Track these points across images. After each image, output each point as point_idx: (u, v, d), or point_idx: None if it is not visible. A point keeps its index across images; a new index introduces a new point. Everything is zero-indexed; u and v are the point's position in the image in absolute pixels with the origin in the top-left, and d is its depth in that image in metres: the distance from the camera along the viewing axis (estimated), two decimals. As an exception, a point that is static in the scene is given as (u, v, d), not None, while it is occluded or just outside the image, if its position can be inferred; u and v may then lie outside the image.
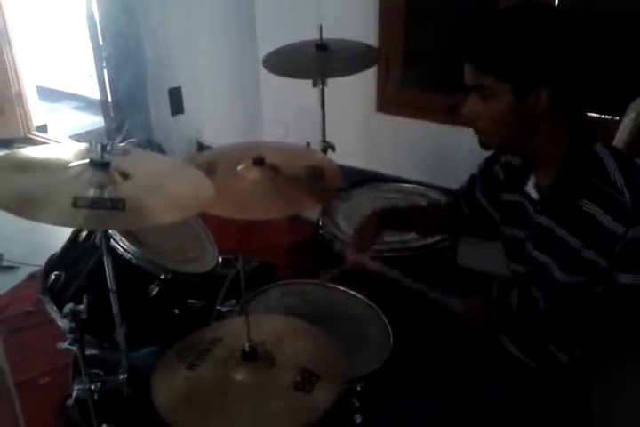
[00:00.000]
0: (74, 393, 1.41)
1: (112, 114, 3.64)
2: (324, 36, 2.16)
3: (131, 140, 3.51)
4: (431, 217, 1.74)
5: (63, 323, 1.57)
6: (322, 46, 2.05)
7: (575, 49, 1.23)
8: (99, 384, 1.41)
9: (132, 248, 1.47)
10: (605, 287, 1.28)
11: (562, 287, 1.33)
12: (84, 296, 1.33)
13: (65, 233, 1.70)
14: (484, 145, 1.35)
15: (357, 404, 1.48)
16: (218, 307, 1.76)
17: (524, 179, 1.40)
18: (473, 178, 1.61)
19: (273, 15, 3.17)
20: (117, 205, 1.13)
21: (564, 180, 1.29)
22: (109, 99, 3.61)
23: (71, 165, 1.22)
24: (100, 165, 1.20)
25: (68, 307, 1.32)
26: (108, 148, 1.20)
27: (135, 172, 1.24)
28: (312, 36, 2.24)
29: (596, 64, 1.27)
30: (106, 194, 1.18)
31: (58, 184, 1.19)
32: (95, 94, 4.44)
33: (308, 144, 2.10)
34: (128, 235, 1.50)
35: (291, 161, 1.82)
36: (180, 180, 1.32)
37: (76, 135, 4.38)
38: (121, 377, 1.44)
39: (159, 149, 3.46)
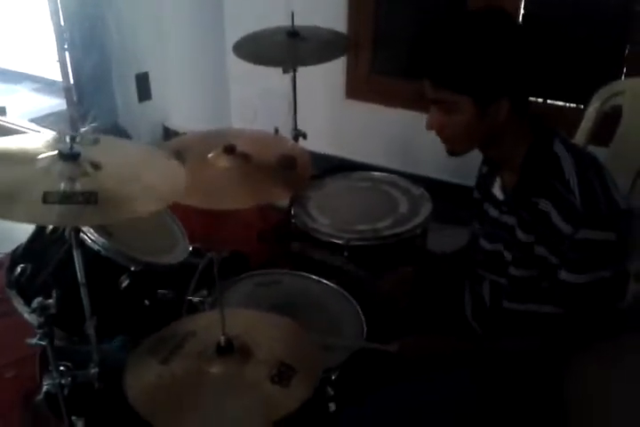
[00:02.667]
0: (44, 388, 1.39)
1: (75, 98, 3.56)
2: (289, 21, 2.12)
3: (94, 124, 3.43)
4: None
5: (30, 317, 1.54)
6: (293, 33, 2.02)
7: (530, 57, 1.25)
8: (69, 379, 1.38)
9: (101, 240, 1.44)
10: (550, 283, 1.31)
11: (518, 282, 1.37)
12: (53, 291, 1.29)
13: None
14: (451, 153, 1.37)
15: (332, 393, 1.48)
16: (189, 297, 1.73)
17: (491, 182, 1.44)
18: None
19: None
20: (90, 198, 1.09)
21: (525, 180, 1.31)
22: (72, 82, 3.52)
23: (39, 157, 1.18)
24: (70, 157, 1.16)
25: (37, 301, 1.28)
26: (77, 138, 1.16)
27: (106, 162, 1.21)
28: (279, 21, 2.21)
29: (551, 65, 1.30)
30: (78, 186, 1.15)
31: (26, 178, 1.14)
32: (55, 76, 4.35)
33: (277, 130, 2.08)
34: (96, 226, 1.47)
35: (262, 149, 1.80)
36: (153, 168, 1.28)
37: (37, 118, 4.27)
38: (92, 371, 1.41)
39: (125, 135, 3.38)
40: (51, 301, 1.28)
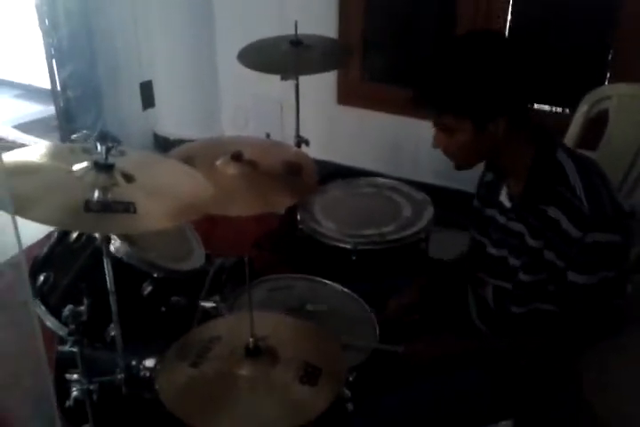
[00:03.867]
0: (72, 394, 1.41)
1: (62, 104, 3.55)
2: (281, 29, 2.17)
3: (84, 131, 3.43)
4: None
5: (53, 324, 1.56)
6: (297, 42, 2.07)
7: (521, 76, 1.32)
8: (97, 385, 1.41)
9: (125, 247, 1.47)
10: (557, 286, 1.38)
11: (525, 286, 1.43)
12: (85, 298, 1.32)
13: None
14: (458, 168, 1.45)
15: (349, 394, 1.53)
16: (202, 303, 1.77)
17: (498, 190, 1.50)
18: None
19: (231, 5, 3.16)
20: (129, 208, 1.13)
21: (532, 188, 1.38)
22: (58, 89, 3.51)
23: (74, 167, 1.21)
24: (105, 167, 1.20)
25: (68, 309, 1.32)
26: (112, 150, 1.19)
27: (138, 174, 1.25)
28: (271, 29, 2.25)
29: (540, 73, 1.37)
30: (110, 196, 1.19)
31: (62, 187, 1.18)
32: (36, 82, 4.31)
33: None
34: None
35: (267, 156, 1.85)
36: (180, 180, 1.33)
37: (21, 125, 4.25)
38: (119, 377, 1.44)
39: (115, 142, 3.39)
40: (82, 308, 1.31)
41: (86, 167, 1.21)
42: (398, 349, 1.53)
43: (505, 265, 1.49)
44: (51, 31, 3.29)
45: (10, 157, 1.27)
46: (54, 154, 1.29)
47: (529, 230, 1.40)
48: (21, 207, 1.13)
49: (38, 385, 1.97)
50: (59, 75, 3.43)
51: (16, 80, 4.84)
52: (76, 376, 1.48)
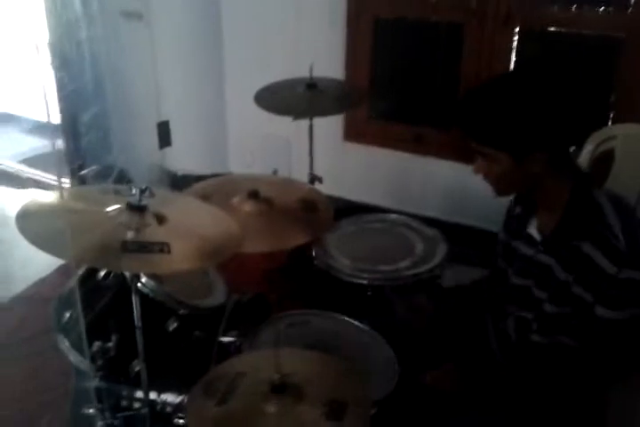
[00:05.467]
0: (97, 430, 1.43)
1: (67, 140, 3.60)
2: (290, 71, 2.24)
3: (93, 167, 3.48)
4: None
5: (75, 358, 1.58)
6: (312, 85, 2.14)
7: (556, 111, 1.38)
8: (121, 420, 1.43)
9: (151, 283, 1.50)
10: (581, 321, 1.41)
11: (548, 317, 1.47)
12: (112, 335, 1.35)
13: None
14: (497, 194, 1.52)
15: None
16: (220, 338, 1.79)
17: (526, 222, 1.55)
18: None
19: (240, 52, 3.26)
20: (163, 248, 1.17)
21: (567, 224, 1.43)
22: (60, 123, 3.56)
23: (109, 209, 1.25)
24: (138, 209, 1.24)
25: (97, 345, 1.34)
26: (146, 192, 1.24)
27: (169, 214, 1.29)
28: (281, 72, 2.32)
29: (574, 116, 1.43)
30: (143, 237, 1.22)
31: (98, 227, 1.22)
32: (40, 117, 4.37)
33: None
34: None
35: (283, 194, 1.89)
36: (208, 221, 1.37)
37: (26, 160, 4.30)
38: (142, 411, 1.46)
39: (123, 176, 3.45)
40: (111, 344, 1.34)
41: (120, 208, 1.25)
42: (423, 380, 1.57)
43: (528, 295, 1.52)
44: (62, 69, 3.38)
45: (44, 197, 1.31)
46: (87, 195, 1.33)
47: (560, 264, 1.44)
48: (58, 247, 1.16)
49: (54, 421, 1.98)
50: (69, 111, 3.51)
51: (23, 115, 4.92)
52: (93, 411, 1.50)
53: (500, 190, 1.50)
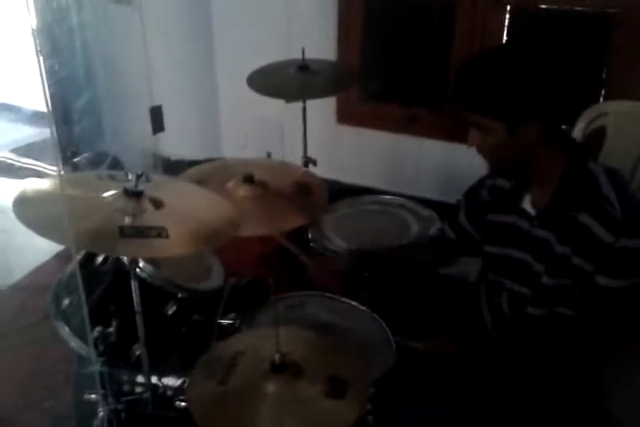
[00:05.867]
0: (100, 415, 1.44)
1: (61, 127, 3.59)
2: (282, 53, 2.24)
3: (85, 154, 3.47)
4: (413, 252, 1.90)
5: (77, 345, 1.59)
6: (304, 67, 2.13)
7: (549, 81, 1.39)
8: (124, 404, 1.45)
9: (149, 268, 1.51)
10: (582, 291, 1.43)
11: (547, 290, 1.48)
12: (113, 320, 1.36)
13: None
14: (491, 169, 1.53)
15: (370, 406, 1.57)
16: (219, 320, 1.80)
17: (519, 198, 1.56)
18: (457, 205, 1.77)
19: (230, 23, 3.24)
20: (161, 233, 1.18)
21: (562, 195, 1.44)
22: (52, 111, 3.54)
23: (105, 194, 1.26)
24: (135, 194, 1.25)
25: (97, 331, 1.36)
26: (142, 177, 1.24)
27: (165, 199, 1.29)
28: (274, 54, 2.33)
29: (567, 87, 1.43)
30: (140, 222, 1.23)
31: (95, 213, 1.22)
32: (30, 105, 4.34)
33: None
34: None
35: (277, 177, 1.89)
36: (204, 205, 1.37)
37: (18, 149, 4.28)
38: (145, 396, 1.47)
39: (116, 162, 3.44)
40: (111, 329, 1.35)
41: (116, 194, 1.26)
42: (417, 345, 1.59)
43: (526, 269, 1.53)
44: (52, 56, 3.36)
45: (40, 185, 1.31)
46: (83, 181, 1.33)
47: (557, 236, 1.45)
48: (57, 233, 1.17)
49: (57, 406, 2.00)
50: (61, 98, 3.49)
51: (11, 103, 4.88)
52: (96, 396, 1.52)
53: (495, 163, 1.51)
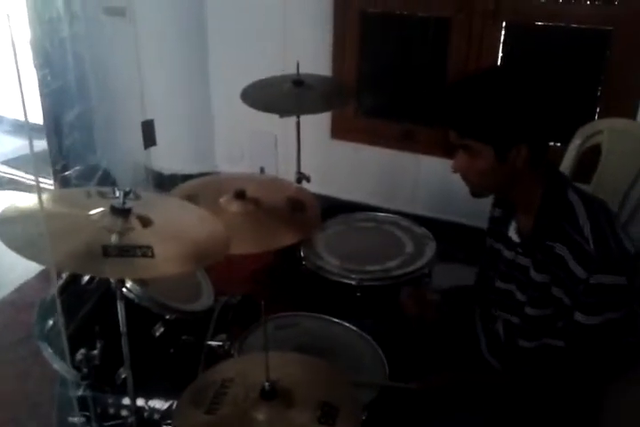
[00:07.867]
0: (84, 439, 1.39)
1: (54, 140, 3.55)
2: (277, 68, 2.23)
3: (76, 168, 3.43)
4: None
5: (60, 367, 1.54)
6: (299, 82, 2.11)
7: (542, 105, 1.37)
8: (109, 429, 1.40)
9: (137, 288, 1.46)
10: (565, 322, 1.39)
11: (532, 321, 1.45)
12: (97, 342, 1.31)
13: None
14: (473, 194, 1.47)
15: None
16: (209, 342, 1.75)
17: (506, 225, 1.53)
18: None
19: (224, 36, 3.22)
20: (146, 252, 1.13)
21: (540, 225, 1.41)
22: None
23: (91, 212, 1.22)
24: (122, 212, 1.21)
25: (81, 353, 1.31)
26: (130, 194, 1.20)
27: (154, 217, 1.25)
28: (268, 69, 2.31)
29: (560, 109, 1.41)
30: (126, 241, 1.19)
31: (80, 231, 1.18)
32: (18, 117, 4.28)
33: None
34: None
35: (270, 193, 1.86)
36: (195, 224, 1.33)
37: (8, 161, 4.24)
38: (129, 420, 1.42)
39: (107, 176, 3.40)
40: (95, 352, 1.30)
41: (103, 211, 1.22)
42: (410, 386, 1.53)
43: (512, 299, 1.51)
44: (44, 67, 3.32)
45: (25, 201, 1.27)
46: (70, 198, 1.29)
47: (534, 264, 1.42)
48: (38, 252, 1.13)
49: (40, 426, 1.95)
50: (52, 110, 3.45)
51: (4, 115, 4.83)
52: (79, 419, 1.47)
53: (477, 189, 1.46)
